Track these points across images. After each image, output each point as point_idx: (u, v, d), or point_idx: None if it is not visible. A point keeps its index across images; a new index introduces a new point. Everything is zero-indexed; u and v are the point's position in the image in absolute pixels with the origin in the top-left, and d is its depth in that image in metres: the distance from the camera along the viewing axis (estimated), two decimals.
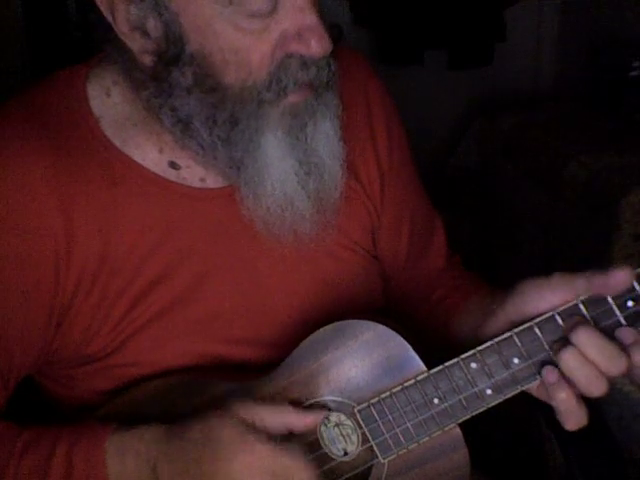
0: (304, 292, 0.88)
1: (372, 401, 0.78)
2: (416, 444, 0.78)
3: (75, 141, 0.81)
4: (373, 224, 0.95)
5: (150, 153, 0.83)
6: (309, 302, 0.88)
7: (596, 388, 0.71)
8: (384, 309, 0.97)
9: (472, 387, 0.76)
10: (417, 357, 0.78)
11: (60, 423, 0.81)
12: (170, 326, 0.83)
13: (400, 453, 0.79)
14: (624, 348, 0.71)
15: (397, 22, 2.60)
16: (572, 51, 2.78)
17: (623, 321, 0.72)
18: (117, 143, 0.82)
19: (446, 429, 0.77)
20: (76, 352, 0.82)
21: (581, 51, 2.67)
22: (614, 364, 0.70)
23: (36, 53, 2.18)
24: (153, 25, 0.74)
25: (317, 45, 0.73)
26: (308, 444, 0.82)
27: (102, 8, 0.75)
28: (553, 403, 0.73)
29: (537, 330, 0.73)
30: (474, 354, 0.75)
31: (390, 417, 0.78)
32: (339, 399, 0.80)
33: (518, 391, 0.75)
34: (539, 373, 0.74)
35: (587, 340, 0.70)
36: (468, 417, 0.77)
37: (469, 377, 0.75)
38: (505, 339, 0.74)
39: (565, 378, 0.72)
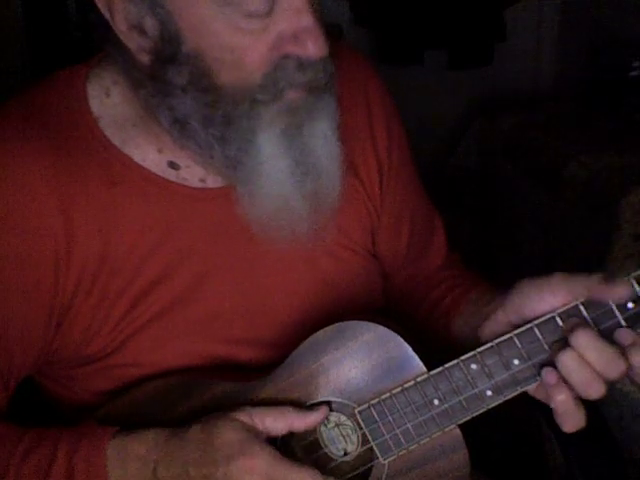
0: (304, 292, 0.88)
1: (372, 402, 0.78)
2: (416, 445, 0.78)
3: (75, 141, 0.80)
4: (373, 224, 0.95)
5: (150, 153, 0.83)
6: (309, 302, 0.88)
7: (594, 391, 0.71)
8: (384, 309, 0.97)
9: (472, 388, 0.76)
10: (417, 358, 0.78)
11: (60, 423, 0.82)
12: (170, 326, 0.83)
13: (400, 454, 0.79)
14: (623, 350, 0.71)
15: (397, 22, 2.61)
16: (572, 51, 2.78)
17: (623, 323, 0.72)
18: (117, 143, 0.82)
19: (446, 430, 0.77)
20: (76, 352, 0.82)
21: (581, 51, 2.67)
22: (612, 367, 0.70)
23: (36, 53, 2.18)
24: (150, 24, 0.74)
25: (313, 47, 0.73)
26: (308, 445, 0.82)
27: (100, 6, 0.75)
28: (552, 404, 0.73)
29: (537, 331, 0.73)
30: (474, 355, 0.75)
31: (390, 418, 0.78)
32: (339, 400, 0.80)
33: (518, 392, 0.75)
34: (539, 374, 0.74)
35: (586, 343, 0.70)
36: (468, 418, 0.77)
37: (469, 378, 0.75)
38: (505, 340, 0.74)
39: (564, 380, 0.72)
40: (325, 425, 0.81)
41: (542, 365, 0.73)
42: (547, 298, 0.74)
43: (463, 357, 0.75)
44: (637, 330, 0.72)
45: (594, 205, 2.00)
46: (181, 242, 0.83)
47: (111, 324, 0.81)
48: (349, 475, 0.82)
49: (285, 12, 0.73)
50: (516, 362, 0.74)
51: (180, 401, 0.81)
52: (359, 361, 0.79)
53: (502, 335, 0.75)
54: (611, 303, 0.71)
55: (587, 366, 0.70)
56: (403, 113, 0.99)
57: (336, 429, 0.81)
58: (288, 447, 0.82)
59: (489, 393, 0.75)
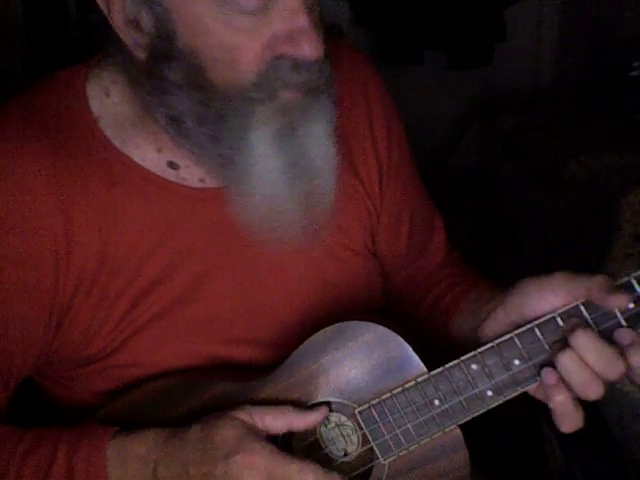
0: (304, 292, 0.88)
1: (372, 402, 0.78)
2: (417, 445, 0.78)
3: (75, 141, 0.80)
4: (373, 223, 0.95)
5: (149, 153, 0.82)
6: (309, 302, 0.88)
7: (593, 392, 0.71)
8: (384, 309, 0.97)
9: (472, 388, 0.76)
10: (417, 358, 0.78)
11: (60, 423, 0.81)
12: (170, 326, 0.83)
13: (400, 454, 0.79)
14: (622, 351, 0.71)
15: (397, 22, 2.60)
16: (572, 51, 2.78)
17: (624, 323, 0.72)
18: (117, 143, 0.82)
19: (446, 430, 0.77)
20: (76, 352, 0.82)
21: (581, 51, 2.67)
22: (612, 368, 0.70)
23: (36, 53, 2.18)
24: (146, 19, 0.74)
25: (308, 48, 0.72)
26: (308, 445, 0.82)
27: (99, 1, 0.75)
28: (550, 405, 0.73)
29: (538, 332, 0.73)
30: (474, 355, 0.75)
31: (390, 418, 0.78)
32: (339, 400, 0.80)
33: (518, 392, 0.75)
34: (539, 375, 0.73)
35: (586, 344, 0.70)
36: (469, 418, 0.77)
37: (469, 378, 0.75)
38: (505, 340, 0.74)
39: (563, 380, 0.72)
40: (325, 425, 0.81)
41: (542, 365, 0.73)
42: (548, 297, 0.74)
43: (463, 357, 0.75)
44: (637, 330, 0.72)
45: (594, 205, 2.00)
46: (181, 242, 0.83)
47: (111, 324, 0.81)
48: (349, 475, 0.82)
49: (280, 12, 0.72)
50: (517, 362, 0.74)
51: (180, 401, 0.81)
52: (359, 361, 0.79)
53: (502, 334, 0.75)
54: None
55: (586, 367, 0.70)
56: (403, 113, 0.99)
57: (336, 429, 0.81)
58: (288, 448, 0.82)
59: (489, 393, 0.75)
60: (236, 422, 0.75)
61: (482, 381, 0.75)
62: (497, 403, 0.76)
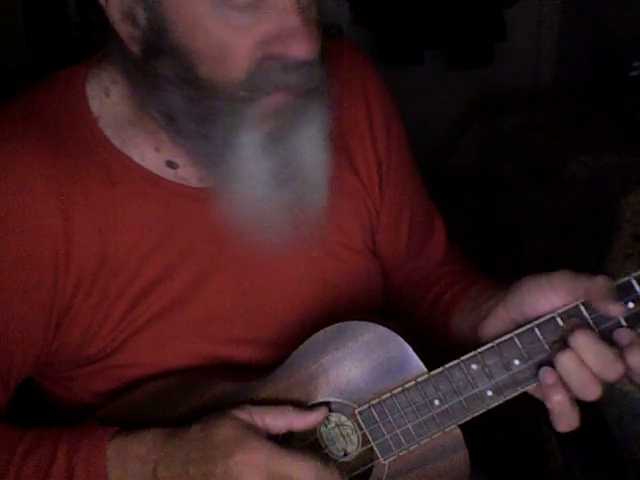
0: (304, 292, 0.88)
1: (372, 402, 0.78)
2: (416, 445, 0.78)
3: (74, 141, 0.80)
4: (373, 223, 0.95)
5: (148, 153, 0.82)
6: (309, 302, 0.88)
7: (591, 392, 0.71)
8: (384, 309, 0.97)
9: (472, 388, 0.76)
10: (417, 358, 0.78)
11: (60, 423, 0.81)
12: (170, 326, 0.83)
13: (400, 454, 0.79)
14: (621, 351, 0.71)
15: (397, 22, 2.60)
16: (572, 51, 2.78)
17: (624, 323, 0.72)
18: (116, 143, 0.82)
19: (446, 430, 0.77)
20: (76, 353, 0.82)
21: (581, 51, 2.67)
22: (610, 369, 0.70)
23: (36, 53, 2.18)
24: (140, 13, 0.73)
25: (299, 48, 0.71)
26: (308, 445, 0.82)
27: None
28: (548, 404, 0.73)
29: (538, 332, 0.73)
30: (474, 355, 0.75)
31: (390, 418, 0.78)
32: (339, 400, 0.80)
33: (518, 392, 0.75)
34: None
35: (585, 344, 0.70)
36: (469, 418, 0.77)
37: (469, 378, 0.75)
38: (505, 340, 0.74)
39: (561, 380, 0.72)
40: (325, 425, 0.81)
41: (542, 365, 0.73)
42: (548, 296, 0.74)
43: (463, 357, 0.75)
44: (637, 330, 0.72)
45: (594, 205, 2.00)
46: (181, 242, 0.83)
47: (111, 324, 0.81)
48: (349, 475, 0.82)
49: (271, 11, 0.71)
50: (516, 362, 0.74)
51: (180, 401, 0.81)
52: (359, 361, 0.79)
53: (502, 331, 0.75)
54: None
55: (585, 368, 0.70)
56: (403, 113, 0.99)
57: (336, 429, 0.81)
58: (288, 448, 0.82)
59: (489, 393, 0.75)
60: (236, 422, 0.74)
61: (482, 381, 0.75)
62: (497, 403, 0.76)
